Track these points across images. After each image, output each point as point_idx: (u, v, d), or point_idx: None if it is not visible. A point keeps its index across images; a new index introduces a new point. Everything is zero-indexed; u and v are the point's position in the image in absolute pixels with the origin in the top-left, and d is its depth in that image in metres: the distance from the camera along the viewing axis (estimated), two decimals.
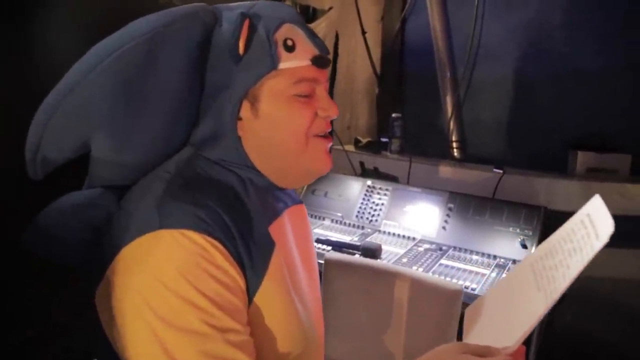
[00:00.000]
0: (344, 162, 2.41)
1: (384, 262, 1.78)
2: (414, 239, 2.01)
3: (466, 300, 1.53)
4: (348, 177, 2.29)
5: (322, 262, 1.61)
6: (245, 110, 0.76)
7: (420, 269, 1.74)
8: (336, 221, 2.16)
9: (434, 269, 1.76)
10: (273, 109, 0.76)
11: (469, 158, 2.41)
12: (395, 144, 2.40)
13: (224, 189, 0.75)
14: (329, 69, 0.83)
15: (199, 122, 0.79)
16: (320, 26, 3.69)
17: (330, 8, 3.67)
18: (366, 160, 2.42)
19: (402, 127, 2.41)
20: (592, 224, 0.72)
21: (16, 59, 1.44)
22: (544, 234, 1.87)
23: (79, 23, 1.59)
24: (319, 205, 2.23)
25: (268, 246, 0.75)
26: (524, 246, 1.85)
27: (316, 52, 0.78)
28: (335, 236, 2.00)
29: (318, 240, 1.91)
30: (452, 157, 2.41)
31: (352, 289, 1.62)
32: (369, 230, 2.08)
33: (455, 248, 1.93)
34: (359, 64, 4.08)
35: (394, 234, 2.05)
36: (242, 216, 0.73)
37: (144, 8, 0.90)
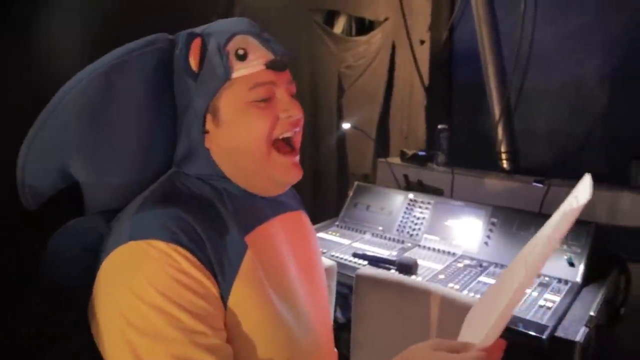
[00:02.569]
0: (389, 175, 2.37)
1: (417, 278, 1.72)
2: (454, 254, 1.92)
3: None
4: (391, 190, 2.24)
5: (353, 276, 1.60)
6: (209, 123, 0.80)
7: (457, 286, 1.66)
8: (376, 235, 2.12)
9: (471, 286, 1.67)
10: (232, 117, 0.78)
11: (520, 170, 2.27)
12: (441, 156, 2.31)
13: (198, 200, 0.78)
14: (289, 70, 0.84)
15: (177, 142, 0.83)
16: (376, 37, 3.65)
17: (387, 19, 3.62)
18: (412, 173, 2.35)
19: (448, 139, 2.32)
20: (576, 197, 0.69)
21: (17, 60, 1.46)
22: (594, 251, 1.72)
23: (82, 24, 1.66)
24: (360, 218, 2.20)
25: (239, 250, 0.76)
26: (571, 264, 1.70)
27: (271, 56, 0.79)
28: (373, 250, 1.96)
29: (355, 255, 1.89)
30: (501, 169, 2.28)
31: (383, 305, 1.58)
32: (409, 244, 2.02)
33: (496, 265, 1.82)
34: (416, 75, 3.99)
35: (434, 249, 1.97)
36: (214, 224, 0.75)
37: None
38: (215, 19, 0.83)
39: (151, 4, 1.95)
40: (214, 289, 0.71)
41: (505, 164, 2.28)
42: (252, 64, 0.78)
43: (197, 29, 0.82)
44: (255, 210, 0.85)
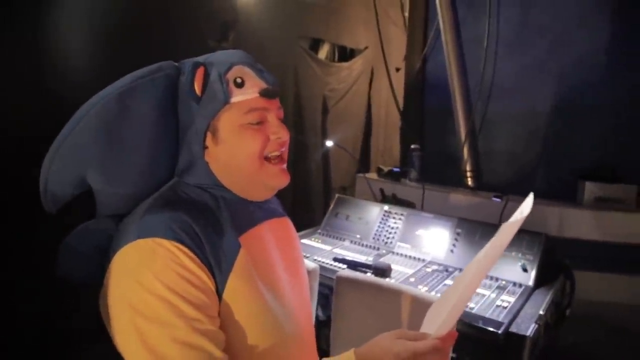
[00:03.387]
0: (367, 188, 2.54)
1: (391, 280, 1.87)
2: (423, 260, 2.09)
3: (462, 318, 1.61)
4: (369, 203, 2.40)
5: (334, 278, 1.73)
6: (209, 140, 0.89)
7: (425, 288, 1.82)
8: (355, 242, 2.28)
9: (437, 288, 1.84)
10: (229, 136, 0.87)
11: (483, 186, 2.47)
12: (414, 173, 2.50)
13: (198, 206, 0.87)
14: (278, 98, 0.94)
15: (179, 156, 0.93)
16: (357, 63, 3.87)
17: (366, 47, 3.85)
18: (387, 188, 2.53)
19: (420, 158, 2.51)
20: (522, 212, 0.78)
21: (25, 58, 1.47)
22: (544, 259, 1.91)
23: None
24: (340, 227, 2.35)
25: (234, 249, 0.85)
26: (525, 270, 1.89)
27: (264, 85, 0.89)
28: (352, 255, 2.11)
29: (335, 259, 2.03)
30: (467, 186, 2.47)
31: (360, 304, 1.71)
32: (384, 251, 2.19)
33: (460, 270, 1.98)
34: (392, 98, 4.22)
35: (405, 255, 2.14)
36: (212, 226, 0.84)
37: (191, 48, 1.06)
38: (212, 44, 0.96)
39: (152, 32, 1.99)
40: (210, 283, 0.79)
41: (469, 181, 2.48)
42: (248, 92, 0.87)
43: (201, 58, 0.91)
44: (248, 215, 0.93)
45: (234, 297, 0.82)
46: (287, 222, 1.09)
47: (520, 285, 1.85)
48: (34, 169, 0.86)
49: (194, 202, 0.87)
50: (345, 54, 3.98)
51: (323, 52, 3.74)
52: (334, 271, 1.91)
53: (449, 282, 1.90)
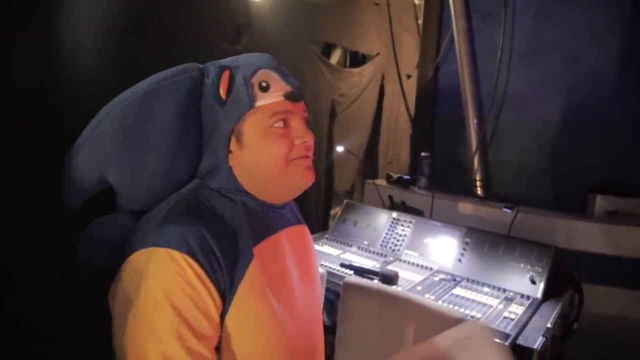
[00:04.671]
0: (375, 195, 2.52)
1: (398, 288, 1.85)
2: (431, 269, 2.06)
3: None
4: (377, 209, 2.38)
5: (341, 284, 1.72)
6: (233, 144, 0.88)
7: (432, 297, 1.80)
8: (362, 248, 2.26)
9: (444, 297, 1.81)
10: (254, 140, 0.86)
11: (492, 197, 2.44)
12: (423, 181, 2.47)
13: (217, 215, 0.85)
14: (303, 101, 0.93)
15: (202, 158, 0.91)
16: (368, 69, 3.85)
17: (378, 54, 3.84)
18: (396, 195, 2.51)
19: (430, 165, 2.49)
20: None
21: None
22: (553, 271, 1.88)
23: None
24: (348, 233, 2.33)
25: (246, 260, 0.83)
26: (533, 282, 1.86)
27: (288, 88, 0.88)
28: (359, 262, 2.09)
29: (342, 265, 2.02)
30: (475, 195, 2.45)
31: (366, 311, 1.69)
32: (391, 258, 2.16)
33: (468, 280, 1.96)
34: (402, 105, 4.20)
35: (413, 263, 2.11)
36: (228, 237, 0.82)
37: (207, 53, 1.05)
38: (226, 47, 0.95)
39: (166, 34, 1.98)
40: (212, 303, 0.77)
41: (479, 191, 2.45)
42: (272, 95, 0.86)
43: (226, 62, 0.90)
44: (266, 222, 0.92)
45: (241, 307, 0.81)
46: (304, 231, 1.06)
47: (528, 297, 1.82)
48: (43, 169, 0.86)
49: (214, 211, 0.85)
50: (357, 60, 3.98)
51: (335, 57, 3.74)
52: (341, 277, 1.90)
53: (456, 291, 1.87)
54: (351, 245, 2.28)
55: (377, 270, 1.96)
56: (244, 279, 0.82)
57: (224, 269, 0.80)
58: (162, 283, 0.75)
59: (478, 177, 2.45)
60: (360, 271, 1.97)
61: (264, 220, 0.91)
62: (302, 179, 0.90)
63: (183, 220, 0.80)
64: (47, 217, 1.39)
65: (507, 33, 2.45)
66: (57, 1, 1.57)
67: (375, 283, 1.83)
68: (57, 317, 1.48)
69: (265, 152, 0.87)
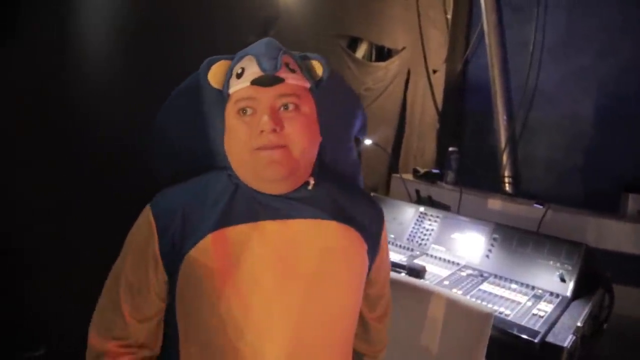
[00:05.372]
0: (402, 189, 2.51)
1: (425, 282, 1.84)
2: (458, 264, 2.05)
3: (497, 324, 1.57)
4: (404, 203, 2.37)
5: None
6: (225, 130, 0.89)
7: (460, 292, 1.79)
8: (389, 242, 2.25)
9: (472, 293, 1.80)
10: (228, 127, 0.87)
11: (520, 193, 2.41)
12: (450, 176, 2.45)
13: (208, 187, 0.91)
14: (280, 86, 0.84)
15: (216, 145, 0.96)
16: (394, 64, 3.81)
17: (404, 48, 3.80)
18: (422, 189, 2.49)
19: (457, 160, 2.46)
20: None
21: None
22: (583, 270, 1.85)
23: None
24: None
25: (197, 237, 0.85)
26: (563, 280, 1.83)
27: (259, 73, 0.82)
28: None
29: None
30: (504, 192, 2.42)
31: (393, 304, 1.70)
32: (418, 252, 2.16)
33: (496, 276, 1.94)
34: (427, 99, 4.16)
35: (440, 258, 2.10)
36: (197, 212, 0.87)
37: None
38: (253, 39, 0.90)
39: (193, 27, 1.99)
40: (153, 269, 0.86)
41: (507, 187, 2.42)
42: (242, 81, 0.84)
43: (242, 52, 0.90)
44: (255, 207, 0.87)
45: (184, 285, 0.85)
46: (325, 226, 0.90)
47: (558, 295, 1.79)
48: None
49: (206, 183, 0.91)
50: (383, 54, 3.95)
51: (361, 51, 3.71)
52: None
53: (484, 287, 1.85)
54: None
55: (404, 263, 1.96)
56: (190, 253, 0.84)
57: (178, 237, 0.85)
58: (131, 232, 0.90)
59: (507, 173, 2.43)
60: None
61: (252, 205, 0.87)
62: (264, 171, 0.83)
63: (175, 185, 0.92)
64: (49, 215, 1.43)
65: (539, 28, 2.41)
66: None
67: (403, 276, 1.82)
68: (59, 317, 1.50)
69: (232, 140, 0.86)
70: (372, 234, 0.98)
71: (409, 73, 3.90)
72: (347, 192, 0.98)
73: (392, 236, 2.26)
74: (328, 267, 0.89)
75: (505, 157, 2.43)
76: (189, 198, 0.89)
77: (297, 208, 0.89)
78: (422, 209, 2.28)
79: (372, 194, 2.43)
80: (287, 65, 0.85)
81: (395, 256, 2.10)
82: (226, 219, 0.86)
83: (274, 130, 0.81)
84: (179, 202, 0.88)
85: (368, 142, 2.66)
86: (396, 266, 1.95)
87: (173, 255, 0.85)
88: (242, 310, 0.83)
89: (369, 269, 0.99)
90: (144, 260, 0.87)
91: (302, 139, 0.84)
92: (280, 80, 0.83)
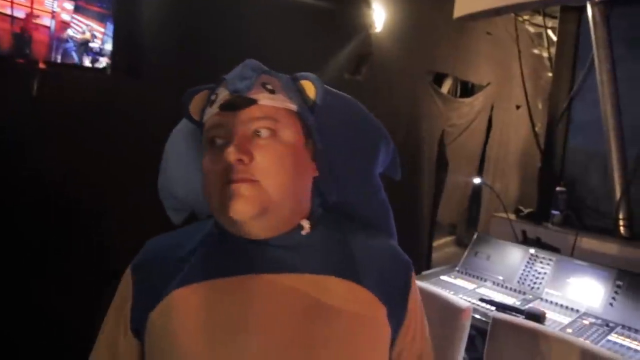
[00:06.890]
0: (507, 229, 2.43)
1: (554, 329, 1.75)
2: (577, 310, 1.94)
3: None
4: (510, 244, 2.29)
5: (481, 319, 1.67)
6: None
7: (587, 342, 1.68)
8: (497, 284, 2.17)
9: (600, 343, 1.69)
10: (202, 161, 0.74)
11: (636, 236, 2.27)
12: (559, 217, 2.36)
13: (188, 238, 0.79)
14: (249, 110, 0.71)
15: None
16: (478, 100, 3.80)
17: (488, 84, 3.78)
18: (527, 230, 2.41)
19: (565, 201, 2.37)
20: None
21: None
22: None
23: None
24: (481, 267, 2.26)
25: (163, 294, 0.72)
26: None
27: (226, 97, 0.71)
28: (497, 297, 2.01)
29: (482, 300, 1.95)
30: (619, 235, 2.29)
31: (516, 349, 1.62)
32: (531, 296, 2.06)
33: (624, 326, 1.82)
34: (512, 136, 4.08)
35: (556, 304, 2.00)
36: (174, 262, 0.75)
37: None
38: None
39: (295, 63, 2.06)
40: (128, 318, 0.75)
41: (622, 230, 2.29)
42: (213, 108, 0.72)
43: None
44: (233, 259, 0.73)
45: (149, 345, 0.73)
46: (315, 283, 0.72)
47: None
48: None
49: (190, 232, 0.81)
50: (467, 89, 3.93)
51: (446, 87, 3.71)
52: (482, 312, 1.84)
53: (612, 337, 1.74)
54: (485, 280, 2.21)
55: (521, 307, 1.87)
56: (151, 314, 0.72)
57: (150, 293, 0.74)
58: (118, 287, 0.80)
59: (621, 215, 2.29)
60: (502, 307, 1.90)
61: (230, 256, 0.73)
62: (229, 208, 0.67)
63: (163, 237, 0.82)
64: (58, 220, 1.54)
65: None
66: None
67: (527, 321, 1.74)
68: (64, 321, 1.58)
69: (205, 178, 0.73)
70: (394, 294, 0.76)
71: (492, 109, 3.86)
72: (362, 240, 0.79)
73: (501, 278, 2.18)
74: (320, 334, 0.69)
75: (618, 198, 2.30)
76: (168, 249, 0.77)
77: (283, 259, 0.72)
78: (532, 250, 2.19)
79: (476, 233, 2.37)
80: (264, 85, 0.72)
81: (508, 299, 2.02)
82: (195, 274, 0.72)
83: (240, 161, 0.67)
84: (158, 253, 0.78)
85: (477, 180, 2.61)
86: (512, 310, 1.87)
87: (142, 312, 0.73)
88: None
89: (393, 340, 0.77)
90: (119, 318, 0.78)
91: (278, 170, 0.69)
92: (252, 102, 0.69)
